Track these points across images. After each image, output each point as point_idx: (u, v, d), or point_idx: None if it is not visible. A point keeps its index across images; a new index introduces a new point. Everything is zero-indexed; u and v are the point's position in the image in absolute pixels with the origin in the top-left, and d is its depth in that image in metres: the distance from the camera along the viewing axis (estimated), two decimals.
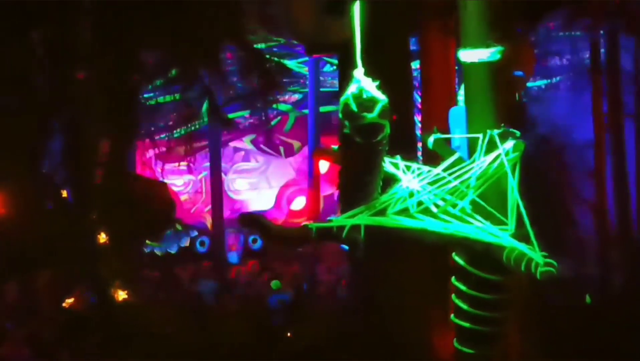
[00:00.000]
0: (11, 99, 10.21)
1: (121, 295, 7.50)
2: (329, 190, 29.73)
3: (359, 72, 6.04)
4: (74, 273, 7.91)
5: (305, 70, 28.72)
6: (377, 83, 6.00)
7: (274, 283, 21.88)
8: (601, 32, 23.08)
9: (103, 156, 9.00)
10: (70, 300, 7.88)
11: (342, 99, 6.04)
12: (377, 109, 6.01)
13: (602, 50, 23.75)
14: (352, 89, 6.03)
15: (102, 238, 7.79)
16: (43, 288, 19.55)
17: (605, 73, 23.60)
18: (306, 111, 29.24)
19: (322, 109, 28.87)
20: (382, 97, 6.03)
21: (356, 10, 6.21)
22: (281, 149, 32.71)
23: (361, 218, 6.11)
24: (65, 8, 10.28)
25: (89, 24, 10.94)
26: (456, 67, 12.72)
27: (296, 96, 31.07)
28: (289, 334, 16.78)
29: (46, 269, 12.77)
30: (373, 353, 12.15)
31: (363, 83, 6.05)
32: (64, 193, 8.25)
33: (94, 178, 8.34)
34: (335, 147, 6.32)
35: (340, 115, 6.08)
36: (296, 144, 32.29)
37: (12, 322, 17.23)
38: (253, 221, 6.64)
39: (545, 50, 23.60)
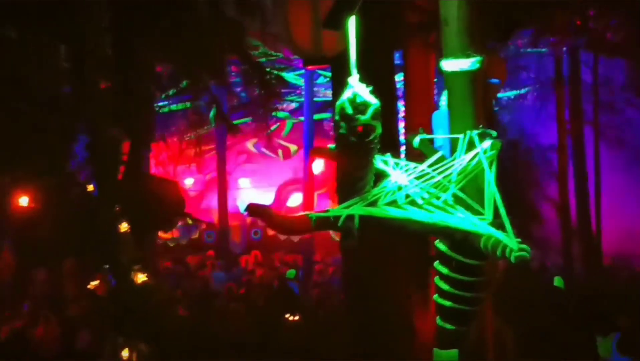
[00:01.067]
0: (40, 106, 10.17)
1: (140, 278, 7.45)
2: (322, 189, 29.84)
3: (353, 79, 6.04)
4: (97, 259, 7.84)
5: (301, 81, 28.84)
6: (370, 89, 6.02)
7: (290, 272, 21.82)
8: (564, 48, 23.15)
9: (123, 156, 8.97)
10: (94, 283, 7.82)
11: (339, 103, 6.03)
12: (370, 111, 6.02)
13: (565, 64, 23.87)
14: (347, 94, 6.03)
15: (124, 227, 7.75)
16: (68, 273, 19.53)
17: (567, 85, 23.68)
18: (302, 118, 29.31)
19: (316, 116, 29.00)
20: (374, 101, 6.04)
21: (351, 24, 6.23)
22: (280, 151, 32.79)
23: (355, 208, 6.09)
24: (89, 28, 10.23)
25: (110, 40, 10.88)
26: (435, 79, 12.86)
27: (293, 105, 31.25)
28: (287, 316, 16.74)
29: (71, 256, 12.78)
30: (361, 333, 12.15)
31: (357, 89, 6.05)
32: (90, 187, 8.21)
33: (116, 175, 8.30)
34: (331, 146, 6.29)
35: (336, 117, 6.06)
36: (293, 147, 32.46)
37: (43, 305, 17.22)
38: (259, 209, 6.62)
39: (515, 64, 23.66)
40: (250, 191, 32.86)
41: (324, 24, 6.89)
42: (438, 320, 6.40)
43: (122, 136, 8.82)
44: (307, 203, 26.53)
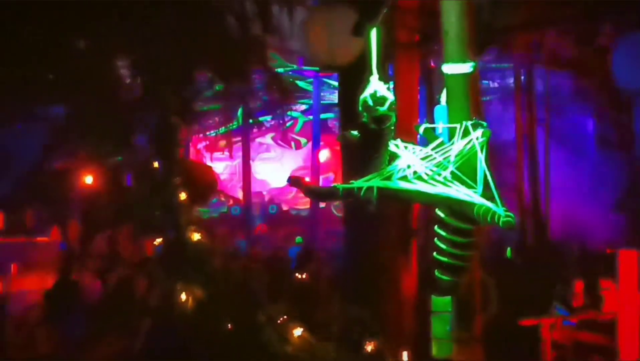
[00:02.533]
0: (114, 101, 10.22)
1: (195, 236, 7.45)
2: (325, 173, 29.95)
3: (374, 78, 6.08)
4: (162, 221, 7.84)
5: (311, 87, 28.94)
6: (387, 85, 6.04)
7: (298, 239, 21.93)
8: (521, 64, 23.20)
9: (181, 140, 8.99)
10: (159, 240, 7.82)
11: (362, 97, 6.06)
12: (387, 104, 6.05)
13: (522, 77, 23.89)
14: (369, 90, 6.07)
15: (182, 196, 7.76)
16: (125, 236, 19.56)
17: (524, 93, 23.71)
18: (311, 117, 29.39)
19: (323, 115, 29.09)
20: (390, 96, 6.07)
21: (373, 34, 6.25)
22: (293, 144, 32.81)
23: (374, 181, 6.08)
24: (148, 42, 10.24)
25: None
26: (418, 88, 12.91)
27: (304, 106, 31.27)
28: (297, 275, 16.76)
29: (136, 222, 12.79)
30: (357, 290, 12.15)
31: (377, 86, 6.08)
32: (155, 164, 8.21)
33: (176, 155, 8.31)
34: (354, 132, 6.29)
35: (360, 108, 6.08)
36: (303, 140, 32.45)
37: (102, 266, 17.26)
38: (298, 180, 6.61)
39: (482, 76, 23.70)
40: (267, 176, 33.02)
41: (351, 32, 6.83)
42: (436, 273, 6.38)
43: (180, 124, 8.82)
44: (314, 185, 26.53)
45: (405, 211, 11.77)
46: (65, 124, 13.86)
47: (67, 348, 15.05)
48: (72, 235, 20.60)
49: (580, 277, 13.00)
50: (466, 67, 6.31)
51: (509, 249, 19.67)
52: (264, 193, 32.68)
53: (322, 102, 29.24)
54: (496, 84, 26.45)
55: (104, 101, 10.48)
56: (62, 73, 11.56)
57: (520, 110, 23.88)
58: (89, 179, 18.85)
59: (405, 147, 6.25)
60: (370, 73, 6.13)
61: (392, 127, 6.08)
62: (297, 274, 16.70)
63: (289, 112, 30.65)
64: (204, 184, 18.83)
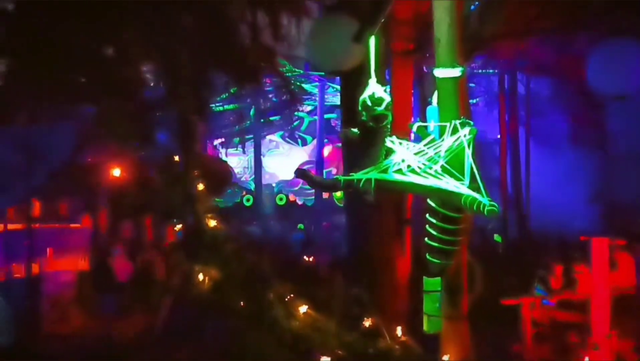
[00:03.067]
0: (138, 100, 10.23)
1: (211, 223, 7.45)
2: (328, 168, 29.96)
3: (372, 81, 6.07)
4: (182, 210, 7.85)
5: (315, 90, 28.92)
6: (384, 88, 6.03)
7: (300, 226, 22.00)
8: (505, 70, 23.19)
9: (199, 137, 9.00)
10: (179, 226, 7.82)
11: (361, 98, 6.05)
12: (384, 105, 6.04)
13: (506, 82, 23.89)
14: (368, 91, 6.05)
15: (200, 187, 7.76)
16: (149, 224, 19.61)
17: (507, 97, 23.69)
18: (316, 117, 29.37)
19: (326, 116, 29.05)
20: (387, 98, 6.06)
21: (372, 42, 6.24)
22: (299, 141, 32.83)
23: (372, 174, 6.06)
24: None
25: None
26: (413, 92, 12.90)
27: (309, 107, 31.25)
28: (305, 258, 16.81)
29: (158, 210, 12.84)
30: (355, 270, 12.17)
31: (375, 88, 6.08)
32: (176, 158, 8.22)
33: (195, 149, 8.32)
34: (354, 130, 6.27)
35: (359, 108, 6.08)
36: (309, 138, 32.46)
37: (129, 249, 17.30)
38: (304, 173, 6.60)
39: (470, 81, 23.70)
40: (276, 169, 33.07)
41: (352, 39, 6.83)
42: (427, 256, 6.38)
43: (198, 122, 8.82)
44: None
45: (400, 202, 11.76)
46: (95, 123, 13.85)
47: (98, 322, 15.13)
48: (102, 222, 20.65)
49: (559, 262, 13.04)
50: (456, 72, 6.30)
51: (497, 235, 19.63)
52: (273, 184, 32.74)
53: (325, 103, 29.34)
54: (482, 88, 26.46)
55: (130, 102, 10.48)
56: (92, 77, 11.56)
57: (503, 111, 23.95)
58: (116, 172, 18.87)
59: (400, 143, 6.23)
60: (369, 77, 6.12)
61: (389, 126, 6.07)
62: (304, 257, 16.78)
63: (296, 113, 30.68)
64: (219, 177, 18.92)
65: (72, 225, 19.80)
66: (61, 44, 11.13)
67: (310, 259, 16.44)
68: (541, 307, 12.58)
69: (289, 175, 31.42)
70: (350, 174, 6.16)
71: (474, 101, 25.89)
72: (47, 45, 11.19)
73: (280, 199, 31.20)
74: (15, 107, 14.91)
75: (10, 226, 17.67)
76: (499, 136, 23.88)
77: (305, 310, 6.77)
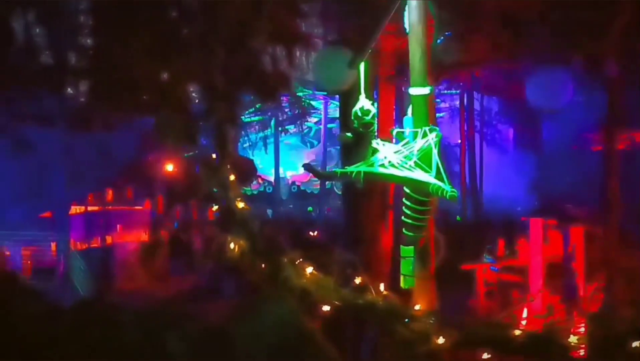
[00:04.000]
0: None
1: (240, 205, 7.41)
2: (330, 165, 29.86)
3: (362, 96, 6.05)
4: (218, 195, 7.80)
5: (321, 105, 28.81)
6: (371, 102, 6.00)
7: (310, 208, 21.98)
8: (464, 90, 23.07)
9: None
10: (215, 207, 7.77)
11: (354, 110, 6.06)
12: (370, 115, 6.03)
13: (465, 99, 23.77)
14: (359, 105, 6.05)
15: (232, 177, 7.71)
16: (194, 206, 19.58)
17: (466, 110, 23.57)
18: (321, 126, 29.29)
19: (329, 125, 28.92)
20: (373, 109, 6.04)
21: (362, 66, 6.21)
22: (308, 144, 32.71)
23: (361, 168, 6.07)
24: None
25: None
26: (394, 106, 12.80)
27: (316, 119, 31.09)
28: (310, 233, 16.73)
29: (199, 197, 12.82)
30: (349, 242, 12.10)
31: (364, 102, 6.05)
32: (213, 155, 8.16)
33: (228, 149, 8.26)
34: (349, 134, 6.25)
35: (352, 117, 6.07)
36: (315, 142, 32.29)
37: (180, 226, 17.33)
38: (310, 167, 6.59)
39: (436, 98, 23.65)
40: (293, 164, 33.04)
41: (347, 65, 6.79)
42: (404, 230, 6.37)
43: (230, 129, 8.76)
44: None
45: (384, 191, 11.67)
46: (154, 130, 13.83)
47: (156, 282, 15.15)
48: (159, 205, 20.62)
49: (503, 237, 13.02)
50: (426, 90, 6.27)
51: (458, 216, 19.49)
52: (288, 177, 32.68)
53: (328, 116, 29.34)
54: (447, 104, 26.38)
55: (180, 114, 10.41)
56: (152, 95, 11.53)
57: (463, 122, 23.83)
58: (169, 167, 18.85)
59: (384, 144, 6.23)
60: (360, 93, 6.10)
61: (374, 131, 6.05)
62: (310, 232, 16.70)
63: (306, 123, 30.67)
64: (246, 171, 18.92)
65: (136, 207, 19.79)
66: (128, 70, 11.11)
67: (315, 233, 16.36)
68: (490, 272, 12.55)
69: (300, 170, 31.41)
70: (345, 167, 6.15)
71: (441, 114, 25.80)
72: (117, 71, 11.16)
73: (294, 188, 31.15)
74: (94, 118, 14.92)
75: (89, 208, 17.69)
76: (459, 141, 23.78)
77: (310, 271, 6.75)
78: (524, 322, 10.37)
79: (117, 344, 6.85)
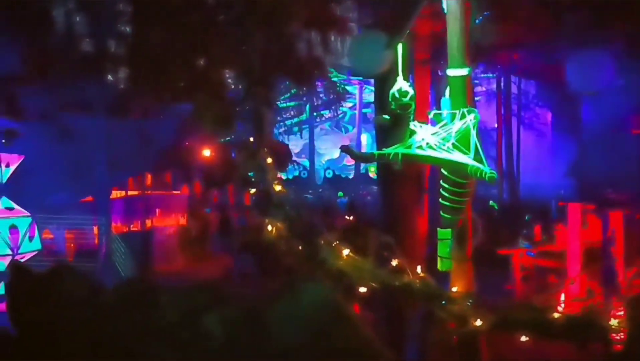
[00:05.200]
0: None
1: (277, 187, 7.44)
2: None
3: (400, 78, 5.99)
4: (256, 178, 7.85)
5: (356, 90, 28.76)
6: (409, 83, 5.94)
7: (340, 193, 22.00)
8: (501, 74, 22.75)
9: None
10: (253, 190, 7.82)
11: (391, 91, 6.01)
12: (408, 96, 5.97)
13: (502, 83, 23.43)
14: (396, 86, 5.99)
15: (269, 160, 7.75)
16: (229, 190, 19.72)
17: (503, 94, 23.24)
18: (355, 111, 29.20)
19: (364, 110, 28.83)
20: (411, 91, 5.98)
21: (400, 48, 6.15)
22: (343, 129, 32.69)
23: (399, 149, 6.05)
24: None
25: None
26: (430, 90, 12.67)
27: (350, 103, 31.06)
28: (347, 217, 16.73)
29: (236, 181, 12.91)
30: (385, 222, 12.04)
31: (401, 84, 6.00)
32: (251, 139, 8.21)
33: (265, 133, 8.30)
34: (386, 116, 6.21)
35: (390, 99, 6.03)
36: (350, 127, 32.25)
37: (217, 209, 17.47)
38: (348, 149, 6.58)
39: (474, 82, 23.42)
40: (325, 150, 33.02)
41: (385, 47, 6.74)
42: (441, 212, 6.33)
43: (267, 113, 8.79)
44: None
45: (419, 174, 11.57)
46: (192, 115, 13.95)
47: (196, 264, 15.35)
48: (196, 190, 20.86)
49: (539, 222, 12.89)
50: (464, 71, 6.20)
51: (492, 202, 19.27)
52: (323, 162, 32.71)
53: (363, 100, 29.25)
54: (484, 88, 26.05)
55: (217, 100, 10.49)
56: (190, 81, 11.64)
57: (500, 106, 23.49)
58: (207, 152, 19.00)
59: (421, 127, 6.19)
60: (397, 75, 6.05)
61: (412, 112, 6.00)
62: (346, 217, 16.70)
63: (340, 108, 30.60)
64: (282, 156, 18.98)
65: (175, 192, 20.04)
66: (167, 57, 11.22)
67: (351, 218, 16.36)
68: (527, 256, 12.41)
69: (336, 155, 31.42)
70: (382, 149, 6.12)
71: (477, 98, 25.51)
72: (156, 58, 11.29)
73: (329, 173, 31.19)
74: (134, 104, 15.12)
75: (129, 193, 17.96)
76: (496, 125, 23.45)
77: (347, 253, 6.75)
78: (560, 307, 10.23)
79: (157, 323, 6.95)
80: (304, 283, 6.24)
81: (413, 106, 6.03)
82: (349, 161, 27.87)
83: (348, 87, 29.29)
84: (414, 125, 6.15)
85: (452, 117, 6.12)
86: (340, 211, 18.87)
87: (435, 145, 6.01)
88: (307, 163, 31.62)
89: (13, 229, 10.00)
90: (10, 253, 9.86)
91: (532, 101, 26.04)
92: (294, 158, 29.31)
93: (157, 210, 18.06)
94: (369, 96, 28.71)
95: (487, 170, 5.70)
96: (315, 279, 6.42)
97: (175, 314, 6.65)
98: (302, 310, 6.11)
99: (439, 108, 6.53)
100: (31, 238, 10.41)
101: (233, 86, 12.43)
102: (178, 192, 20.13)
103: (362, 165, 29.44)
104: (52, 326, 6.31)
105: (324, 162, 32.78)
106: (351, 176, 30.26)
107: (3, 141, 11.83)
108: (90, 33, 13.80)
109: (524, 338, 5.96)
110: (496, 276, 11.79)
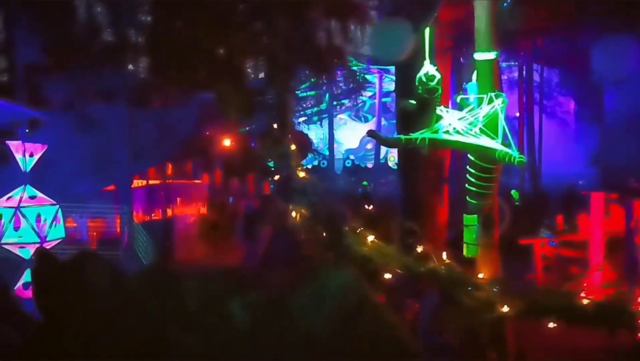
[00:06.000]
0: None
1: (301, 174, 7.41)
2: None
3: (427, 62, 5.91)
4: (279, 165, 7.83)
5: (375, 79, 28.57)
6: (435, 67, 5.86)
7: (364, 183, 21.88)
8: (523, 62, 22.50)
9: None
10: (277, 177, 7.81)
11: (418, 76, 5.94)
12: (435, 80, 5.88)
13: (524, 71, 23.15)
14: (423, 70, 5.91)
15: (293, 148, 7.73)
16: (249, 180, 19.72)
17: (525, 82, 23.00)
18: (375, 101, 29.04)
19: (383, 99, 28.65)
20: (438, 75, 5.89)
21: (427, 32, 6.06)
22: (362, 119, 32.51)
23: (426, 134, 5.98)
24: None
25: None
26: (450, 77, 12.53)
27: (370, 93, 30.85)
28: (366, 206, 16.59)
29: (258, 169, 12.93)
30: (407, 211, 11.98)
31: (428, 68, 5.91)
32: (274, 126, 8.18)
33: (289, 123, 8.28)
34: (412, 101, 6.13)
35: (417, 83, 5.95)
36: (370, 116, 32.06)
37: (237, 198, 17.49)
38: (374, 134, 6.51)
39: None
40: (346, 140, 32.90)
41: (412, 32, 6.66)
42: (467, 198, 6.25)
43: (289, 101, 8.77)
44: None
45: (440, 163, 11.50)
46: (212, 105, 13.94)
47: (214, 252, 15.33)
48: (217, 179, 20.87)
49: (561, 212, 12.76)
50: (491, 55, 6.11)
51: (514, 191, 19.02)
52: (342, 151, 32.61)
53: (383, 89, 29.12)
54: (505, 77, 25.76)
55: (238, 89, 10.50)
56: (210, 71, 11.64)
57: (522, 94, 23.15)
58: (227, 142, 18.97)
59: (447, 111, 6.11)
60: (424, 59, 5.96)
61: (439, 97, 5.91)
62: (365, 206, 16.56)
63: (360, 97, 30.47)
64: (301, 145, 18.90)
65: (195, 181, 20.08)
66: (187, 46, 11.22)
67: (370, 207, 16.23)
68: (548, 246, 12.28)
69: (355, 144, 31.28)
70: (409, 134, 6.05)
71: None
72: (176, 47, 11.28)
73: (348, 162, 31.08)
74: (154, 93, 15.15)
75: (151, 182, 18.04)
76: (517, 114, 23.16)
77: (372, 239, 6.70)
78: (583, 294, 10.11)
79: (181, 310, 6.96)
80: (329, 269, 6.20)
81: (440, 90, 5.95)
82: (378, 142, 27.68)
83: (368, 76, 29.12)
84: (440, 110, 6.07)
85: (480, 101, 6.03)
86: (363, 200, 18.77)
87: (463, 130, 5.94)
88: (326, 152, 31.54)
89: (39, 217, 10.08)
90: (39, 240, 9.95)
91: (554, 89, 25.69)
92: (314, 148, 29.21)
93: (178, 199, 18.11)
94: (389, 85, 28.49)
95: (515, 154, 5.62)
96: (340, 266, 6.38)
97: (199, 300, 6.66)
98: (327, 296, 6.08)
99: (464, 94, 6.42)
100: (56, 226, 10.50)
101: (252, 76, 12.42)
102: (198, 181, 20.15)
103: (382, 155, 29.26)
104: (77, 312, 6.34)
105: (343, 152, 32.66)
106: (370, 166, 30.11)
107: (27, 130, 11.91)
108: (112, 23, 13.83)
109: (551, 325, 5.88)
110: (518, 266, 11.67)
